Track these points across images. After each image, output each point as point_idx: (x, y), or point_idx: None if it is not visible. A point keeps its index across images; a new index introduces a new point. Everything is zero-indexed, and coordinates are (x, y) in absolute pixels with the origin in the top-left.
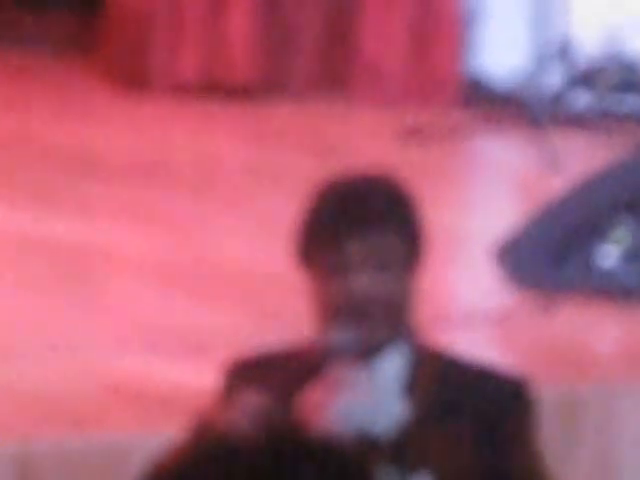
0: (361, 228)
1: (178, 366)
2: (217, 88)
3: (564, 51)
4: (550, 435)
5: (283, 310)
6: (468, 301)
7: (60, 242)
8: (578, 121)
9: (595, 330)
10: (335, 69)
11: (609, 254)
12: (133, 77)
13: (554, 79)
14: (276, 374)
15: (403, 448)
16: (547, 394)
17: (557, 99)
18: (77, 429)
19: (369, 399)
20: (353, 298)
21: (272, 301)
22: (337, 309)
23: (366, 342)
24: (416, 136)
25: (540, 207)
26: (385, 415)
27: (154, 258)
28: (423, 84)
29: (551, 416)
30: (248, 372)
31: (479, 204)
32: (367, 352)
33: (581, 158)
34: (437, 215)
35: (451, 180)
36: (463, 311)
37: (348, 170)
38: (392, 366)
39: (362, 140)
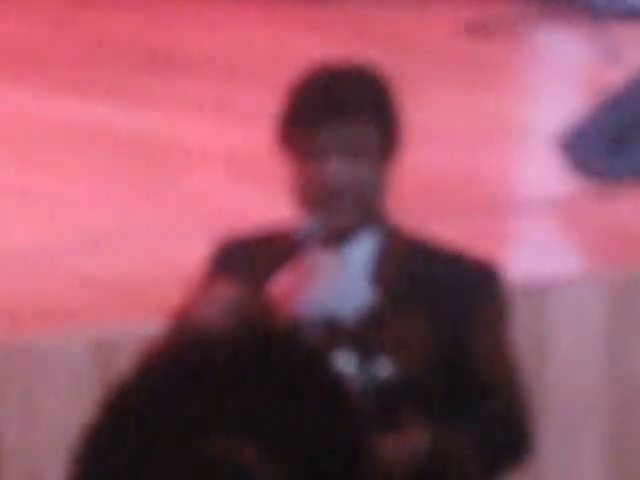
0: (336, 114)
1: None
2: None
3: None
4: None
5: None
6: (531, 188)
7: (138, 134)
8: (638, 14)
9: None
10: None
11: None
12: None
13: None
14: (255, 258)
15: (365, 334)
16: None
17: None
18: (156, 316)
19: (337, 284)
20: (324, 183)
21: None
22: (309, 194)
23: (335, 228)
24: (480, 29)
25: (601, 98)
26: (350, 300)
27: (226, 149)
28: None
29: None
30: (232, 254)
31: (541, 95)
32: (337, 238)
33: None
34: (499, 105)
35: (513, 72)
36: (526, 197)
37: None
38: (361, 252)
39: (426, 33)
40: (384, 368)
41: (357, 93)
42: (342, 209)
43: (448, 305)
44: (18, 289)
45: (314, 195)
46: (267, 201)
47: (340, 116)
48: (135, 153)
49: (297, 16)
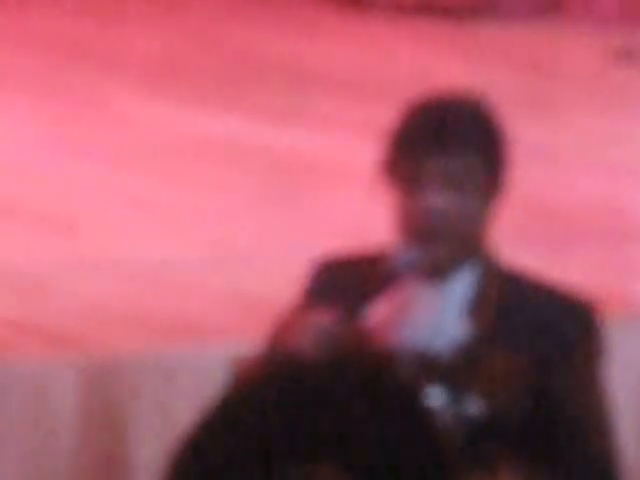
0: (442, 146)
1: None
2: (432, 9)
3: None
4: None
5: None
6: None
7: (274, 151)
8: None
9: None
10: None
11: None
12: None
13: None
14: (353, 281)
15: (458, 369)
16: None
17: None
18: None
19: (434, 318)
20: (426, 216)
21: None
22: (411, 224)
23: (435, 261)
24: (626, 57)
25: None
26: (447, 334)
27: (364, 166)
28: (638, 4)
29: None
30: (330, 275)
31: None
32: (437, 271)
33: None
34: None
35: None
36: None
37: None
38: (461, 287)
39: (571, 59)
40: (475, 405)
41: (466, 126)
42: (443, 243)
43: (543, 343)
44: (150, 302)
45: (416, 226)
46: None
47: (447, 148)
48: (271, 169)
49: (438, 34)
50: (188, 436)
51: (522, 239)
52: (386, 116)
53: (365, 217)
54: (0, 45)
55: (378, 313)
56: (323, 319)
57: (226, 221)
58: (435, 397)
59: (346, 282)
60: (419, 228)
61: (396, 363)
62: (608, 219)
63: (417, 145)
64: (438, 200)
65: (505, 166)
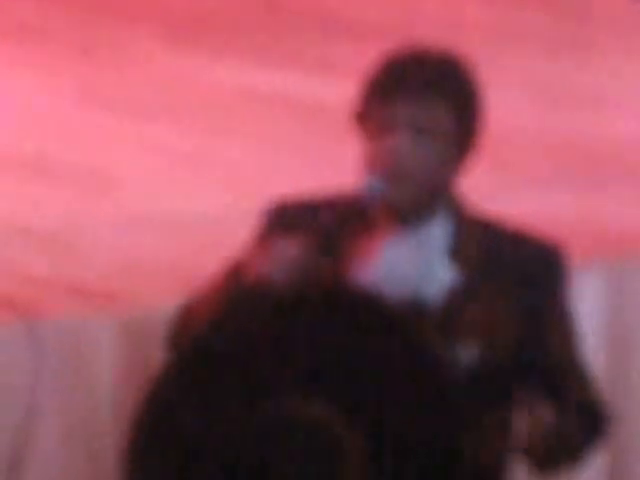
0: (410, 91)
1: None
2: None
3: None
4: None
5: (525, 164)
6: None
7: (316, 102)
8: None
9: None
10: None
11: None
12: None
13: None
14: (317, 218)
15: (450, 316)
16: None
17: None
18: None
19: (415, 262)
20: (392, 155)
21: (515, 156)
22: (375, 164)
23: (403, 200)
24: None
25: None
26: (433, 281)
27: None
28: None
29: None
30: (289, 214)
31: None
32: (406, 213)
33: None
34: None
35: None
36: None
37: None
38: (437, 232)
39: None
40: (469, 350)
41: (435, 76)
42: (408, 183)
43: (524, 285)
44: (189, 256)
45: (382, 167)
46: None
47: (414, 95)
48: (313, 120)
49: None
50: (162, 375)
51: (561, 178)
52: None
53: None
54: (27, 2)
55: (352, 251)
56: (292, 245)
57: (264, 173)
58: (435, 345)
59: (306, 221)
60: (385, 168)
61: (381, 296)
62: None
63: (386, 92)
64: (403, 142)
65: (476, 122)
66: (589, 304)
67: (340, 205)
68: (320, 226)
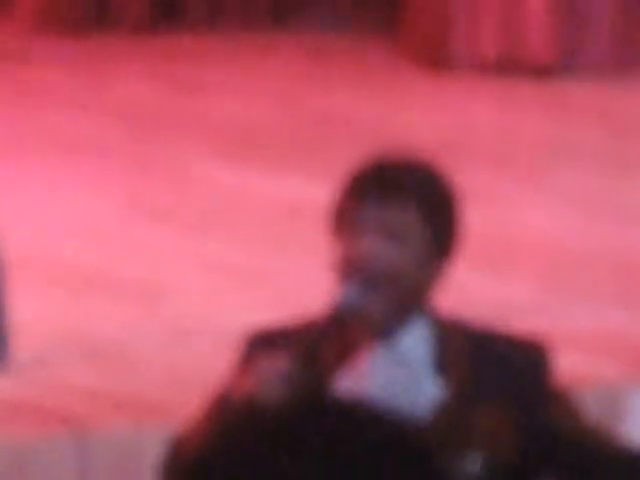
0: (379, 194)
1: None
2: (515, 67)
3: None
4: None
5: (578, 284)
6: None
7: None
8: None
9: None
10: (630, 47)
11: None
12: (435, 57)
13: None
14: (294, 341)
15: (449, 430)
16: None
17: None
18: None
19: (399, 377)
20: (359, 258)
21: (571, 274)
22: (346, 270)
23: (377, 312)
24: None
25: None
26: (422, 395)
27: None
28: None
29: None
30: (267, 343)
31: None
32: (385, 324)
33: None
34: None
35: None
36: None
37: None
38: (415, 343)
39: None
40: (472, 461)
41: (405, 182)
42: (380, 288)
43: (518, 389)
44: None
45: (349, 270)
46: (493, 284)
47: (384, 197)
48: None
49: (520, 91)
50: None
51: (616, 295)
52: (469, 179)
53: None
54: (87, 117)
55: (335, 368)
56: (280, 363)
57: (312, 287)
58: (438, 460)
59: (284, 347)
60: (354, 270)
61: (371, 409)
62: None
63: (359, 195)
64: (372, 243)
65: (451, 227)
66: (636, 423)
67: (317, 322)
68: (300, 343)
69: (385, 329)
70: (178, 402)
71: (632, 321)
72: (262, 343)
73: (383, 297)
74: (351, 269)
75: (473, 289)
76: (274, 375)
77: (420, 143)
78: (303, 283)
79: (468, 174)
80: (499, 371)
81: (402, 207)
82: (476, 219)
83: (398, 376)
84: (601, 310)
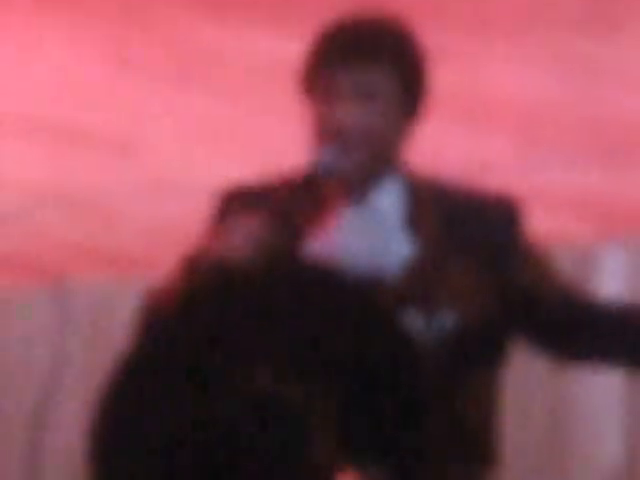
0: (351, 58)
1: None
2: None
3: None
4: None
5: (554, 140)
6: None
7: None
8: None
9: None
10: None
11: None
12: None
13: None
14: (270, 200)
15: (420, 287)
16: None
17: None
18: None
19: (370, 236)
20: (336, 123)
21: (545, 132)
22: (325, 134)
23: (352, 166)
24: None
25: None
26: (391, 253)
27: None
28: None
29: None
30: (241, 200)
31: None
32: (358, 184)
33: None
34: None
35: None
36: None
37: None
38: (388, 201)
39: None
40: (447, 320)
41: (377, 41)
42: (356, 148)
43: (490, 247)
44: None
45: (330, 134)
46: (470, 140)
47: (359, 60)
48: None
49: None
50: (134, 351)
51: (590, 153)
52: (443, 38)
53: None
54: None
55: (307, 228)
56: (256, 221)
57: (289, 146)
58: (408, 317)
59: (259, 203)
60: (333, 135)
61: (344, 271)
62: None
63: (331, 58)
64: (350, 108)
65: (421, 85)
66: (610, 280)
67: (293, 181)
68: (274, 203)
69: (358, 188)
70: (155, 255)
71: (605, 179)
72: (237, 200)
73: (357, 157)
74: (326, 131)
75: (447, 147)
76: (244, 235)
77: (390, 5)
78: (280, 140)
79: (442, 34)
80: (471, 229)
81: (375, 68)
82: (449, 78)
83: (367, 235)
84: (575, 167)
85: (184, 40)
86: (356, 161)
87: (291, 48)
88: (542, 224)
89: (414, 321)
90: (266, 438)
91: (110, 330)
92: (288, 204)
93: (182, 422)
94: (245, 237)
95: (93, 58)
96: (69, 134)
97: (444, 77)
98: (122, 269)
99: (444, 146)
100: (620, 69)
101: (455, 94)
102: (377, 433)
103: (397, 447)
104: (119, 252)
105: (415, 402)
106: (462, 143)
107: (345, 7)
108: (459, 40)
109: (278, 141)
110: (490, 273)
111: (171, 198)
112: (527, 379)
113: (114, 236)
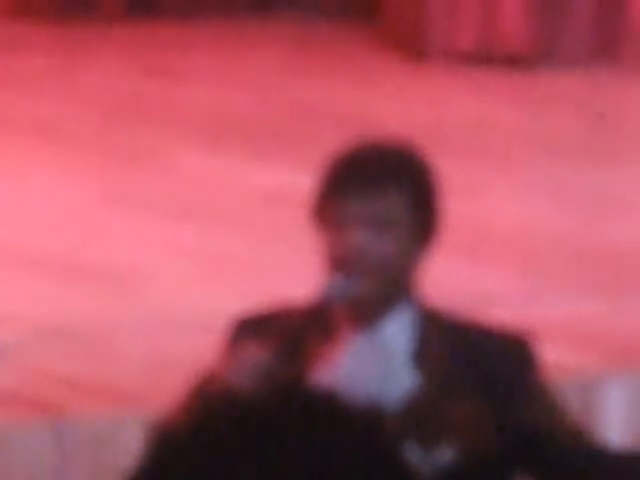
0: (363, 185)
1: None
2: (491, 57)
3: None
4: None
5: (557, 271)
6: None
7: None
8: None
9: None
10: (606, 37)
11: None
12: (410, 46)
13: None
14: (278, 329)
15: (419, 421)
16: None
17: None
18: None
19: (377, 365)
20: (347, 252)
21: (547, 263)
22: (335, 262)
23: (362, 294)
24: None
25: None
26: (395, 384)
27: None
28: None
29: None
30: (252, 328)
31: None
32: (368, 312)
33: None
34: None
35: None
36: None
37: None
38: (398, 332)
39: (634, 107)
40: (445, 455)
41: (389, 169)
42: (366, 278)
43: (498, 383)
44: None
45: (340, 263)
46: (474, 274)
47: (368, 188)
48: None
49: (497, 81)
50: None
51: (592, 285)
52: (444, 168)
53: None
54: (65, 103)
55: (314, 360)
56: (257, 352)
57: (288, 275)
58: (406, 450)
59: (268, 333)
60: (343, 264)
61: (345, 401)
62: None
63: (340, 187)
64: (360, 237)
65: (434, 212)
66: (613, 414)
67: (303, 309)
68: (283, 331)
69: (368, 316)
70: (156, 389)
71: (607, 310)
72: (248, 329)
73: (366, 283)
74: (337, 261)
75: (449, 279)
76: (253, 364)
77: (396, 132)
78: (282, 272)
79: (443, 164)
80: (479, 364)
81: (387, 195)
82: (451, 209)
83: (372, 364)
84: (577, 299)
85: (183, 174)
86: (365, 288)
87: (289, 180)
88: (546, 356)
89: (411, 454)
90: None
91: (109, 466)
92: (297, 331)
93: None
94: (252, 366)
95: (92, 192)
96: (69, 268)
97: (445, 206)
98: (121, 404)
99: (445, 278)
100: (622, 199)
101: (456, 223)
102: None
103: None
104: (118, 387)
105: None
106: (463, 274)
107: (339, 139)
108: (459, 169)
109: (279, 274)
110: (498, 411)
111: (171, 333)
112: None
113: (115, 371)
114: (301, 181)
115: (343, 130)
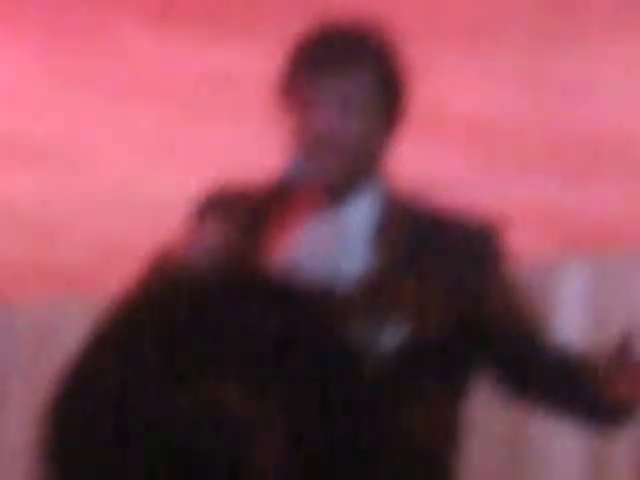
0: (332, 65)
1: None
2: None
3: None
4: None
5: (511, 157)
6: None
7: None
8: None
9: None
10: None
11: None
12: None
13: None
14: (241, 207)
15: (372, 299)
16: None
17: None
18: None
19: (334, 244)
20: (311, 129)
21: (511, 147)
22: (303, 142)
23: (327, 175)
24: None
25: None
26: (351, 265)
27: None
28: None
29: None
30: (221, 201)
31: None
32: (331, 190)
33: None
34: None
35: None
36: None
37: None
38: (359, 214)
39: None
40: (397, 330)
41: (357, 48)
42: (333, 157)
43: (454, 267)
44: (157, 237)
45: (307, 143)
46: None
47: (338, 67)
48: None
49: None
50: (79, 358)
51: (553, 168)
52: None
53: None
54: None
55: (274, 236)
56: (217, 228)
57: (244, 159)
58: (354, 329)
59: (233, 210)
60: (308, 144)
61: (298, 281)
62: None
63: (311, 65)
64: (327, 116)
65: (401, 94)
66: (570, 294)
67: (267, 188)
68: (245, 210)
69: (330, 197)
70: (103, 272)
71: (563, 193)
72: (212, 207)
73: (329, 163)
74: (303, 141)
75: (406, 164)
76: (212, 240)
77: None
78: (228, 152)
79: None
80: (442, 251)
81: (358, 73)
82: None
83: (331, 245)
84: (534, 183)
85: (135, 52)
86: (328, 167)
87: (244, 62)
88: (509, 240)
89: (361, 333)
90: (210, 439)
91: (56, 350)
92: (259, 210)
93: (135, 417)
94: (211, 242)
95: (35, 70)
96: (16, 148)
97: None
98: (69, 285)
99: (402, 163)
100: (580, 82)
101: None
102: (327, 433)
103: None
104: (63, 270)
105: (359, 405)
106: (414, 157)
107: (310, 18)
108: (411, 49)
109: (233, 154)
110: (453, 297)
111: (116, 213)
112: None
113: (58, 254)
114: (255, 63)
115: (299, 9)
